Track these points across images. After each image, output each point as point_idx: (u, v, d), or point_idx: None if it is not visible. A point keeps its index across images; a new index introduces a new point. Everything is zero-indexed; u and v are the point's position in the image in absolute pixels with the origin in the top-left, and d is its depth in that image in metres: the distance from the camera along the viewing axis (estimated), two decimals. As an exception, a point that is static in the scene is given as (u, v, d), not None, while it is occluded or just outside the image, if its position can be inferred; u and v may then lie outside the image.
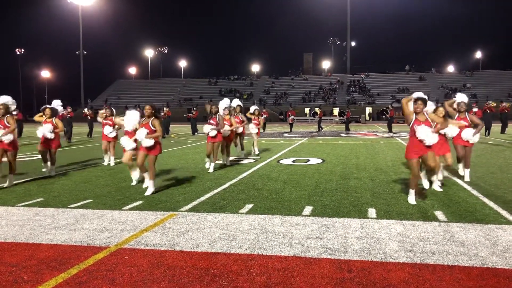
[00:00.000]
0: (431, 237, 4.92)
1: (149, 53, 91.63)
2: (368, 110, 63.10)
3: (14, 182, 8.70)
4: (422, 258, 4.24)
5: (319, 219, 5.76)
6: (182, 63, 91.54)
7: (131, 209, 6.48)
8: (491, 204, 6.57)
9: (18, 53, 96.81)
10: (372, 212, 6.13)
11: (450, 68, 76.89)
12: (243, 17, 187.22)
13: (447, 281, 3.69)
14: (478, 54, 79.50)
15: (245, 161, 12.39)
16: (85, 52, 71.11)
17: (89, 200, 7.10)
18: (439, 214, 5.92)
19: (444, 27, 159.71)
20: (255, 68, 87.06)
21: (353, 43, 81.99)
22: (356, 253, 4.42)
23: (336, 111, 61.75)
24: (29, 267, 4.12)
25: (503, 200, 6.76)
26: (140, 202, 6.92)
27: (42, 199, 7.30)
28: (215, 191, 7.84)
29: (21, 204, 6.87)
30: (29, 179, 9.48)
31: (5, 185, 8.37)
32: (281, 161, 12.31)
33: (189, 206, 6.62)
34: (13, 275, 3.91)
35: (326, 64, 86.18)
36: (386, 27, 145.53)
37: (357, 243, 4.72)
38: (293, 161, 12.30)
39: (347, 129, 31.08)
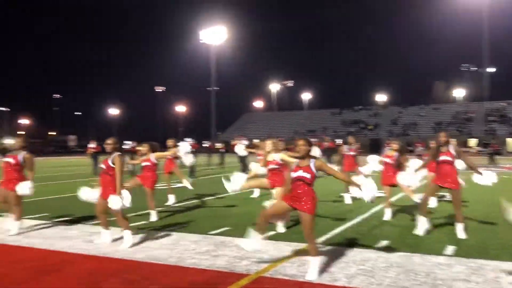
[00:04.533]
0: None
1: (274, 87, 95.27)
2: (510, 141, 57.22)
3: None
4: None
5: (464, 260, 5.36)
6: (306, 95, 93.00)
7: (265, 239, 6.66)
8: None
9: (157, 90, 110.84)
10: (527, 256, 5.52)
11: None
12: (368, 45, 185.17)
13: None
14: None
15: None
16: (216, 88, 75.95)
17: (227, 228, 7.48)
18: None
19: None
20: (381, 97, 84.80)
21: (492, 69, 75.58)
22: (512, 300, 4.01)
23: (471, 142, 57.04)
24: (181, 289, 4.46)
25: None
26: (273, 232, 7.07)
27: (185, 224, 7.87)
28: (347, 224, 7.74)
29: (166, 229, 7.48)
30: (161, 208, 10.30)
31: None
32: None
33: (323, 238, 6.62)
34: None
35: (458, 92, 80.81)
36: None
37: (513, 290, 4.29)
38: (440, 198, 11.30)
39: (494, 161, 28.54)
